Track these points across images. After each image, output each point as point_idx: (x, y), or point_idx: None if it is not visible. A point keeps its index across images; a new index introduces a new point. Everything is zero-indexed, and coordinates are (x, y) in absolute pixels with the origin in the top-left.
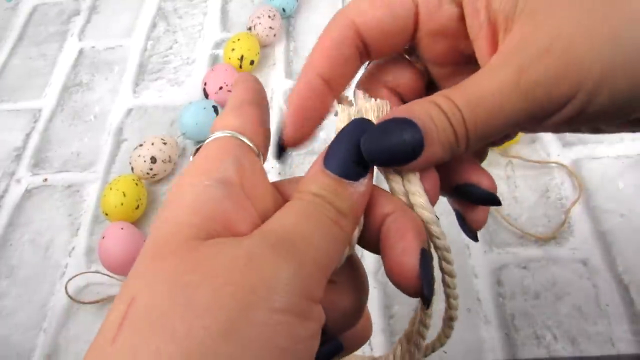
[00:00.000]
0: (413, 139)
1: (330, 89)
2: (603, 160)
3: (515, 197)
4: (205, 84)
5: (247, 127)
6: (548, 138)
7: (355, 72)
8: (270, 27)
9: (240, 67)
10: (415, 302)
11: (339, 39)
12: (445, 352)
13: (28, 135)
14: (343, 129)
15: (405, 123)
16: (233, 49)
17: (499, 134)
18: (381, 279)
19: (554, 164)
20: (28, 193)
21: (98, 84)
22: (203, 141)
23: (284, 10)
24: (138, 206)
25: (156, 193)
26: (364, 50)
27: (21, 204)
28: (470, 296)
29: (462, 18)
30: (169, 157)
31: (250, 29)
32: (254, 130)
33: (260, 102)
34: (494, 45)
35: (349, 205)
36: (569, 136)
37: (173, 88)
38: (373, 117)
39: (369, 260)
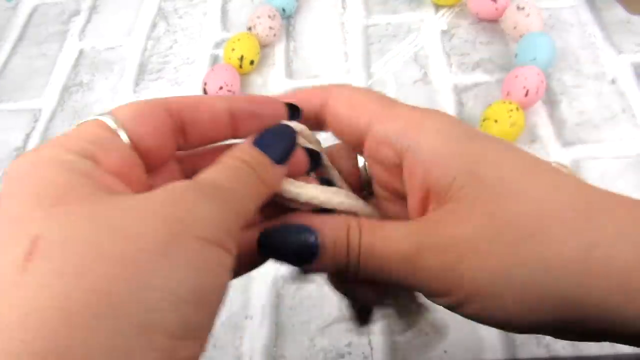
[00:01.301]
0: (308, 247)
1: None
2: (603, 160)
3: None
4: (205, 84)
5: (123, 113)
6: (548, 138)
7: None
8: (270, 27)
9: (241, 67)
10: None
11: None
12: (445, 352)
13: (28, 135)
14: (281, 125)
15: (307, 234)
16: (233, 49)
17: (386, 279)
18: None
19: (554, 164)
20: None
21: (98, 84)
22: None
23: (283, 10)
24: None
25: None
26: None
27: None
28: None
29: (400, 168)
30: None
31: (250, 28)
32: (127, 116)
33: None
34: (423, 207)
35: (273, 181)
36: (569, 136)
37: (173, 88)
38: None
39: None
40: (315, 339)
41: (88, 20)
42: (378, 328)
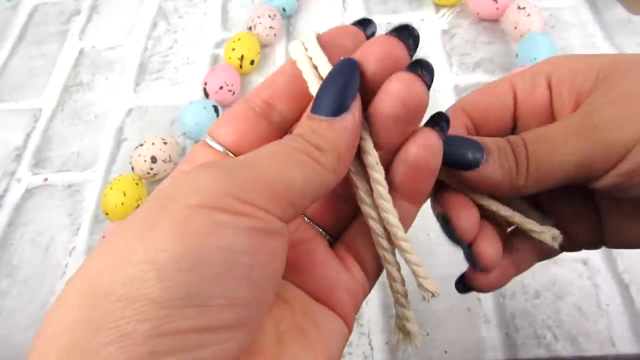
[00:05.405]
0: (473, 153)
1: None
2: None
3: None
4: (205, 83)
5: (231, 137)
6: None
7: None
8: (271, 27)
9: (241, 66)
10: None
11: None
12: (446, 352)
13: (28, 135)
14: (329, 73)
15: (473, 142)
16: (233, 49)
17: (558, 176)
18: (381, 280)
19: None
20: (28, 193)
21: (98, 84)
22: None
23: (284, 10)
24: (138, 206)
25: None
26: (475, 132)
27: (21, 204)
28: (470, 296)
29: (551, 101)
30: (170, 156)
31: (250, 28)
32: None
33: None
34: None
35: (330, 141)
36: None
37: (173, 88)
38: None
39: None
40: None
41: (88, 20)
42: (378, 328)
